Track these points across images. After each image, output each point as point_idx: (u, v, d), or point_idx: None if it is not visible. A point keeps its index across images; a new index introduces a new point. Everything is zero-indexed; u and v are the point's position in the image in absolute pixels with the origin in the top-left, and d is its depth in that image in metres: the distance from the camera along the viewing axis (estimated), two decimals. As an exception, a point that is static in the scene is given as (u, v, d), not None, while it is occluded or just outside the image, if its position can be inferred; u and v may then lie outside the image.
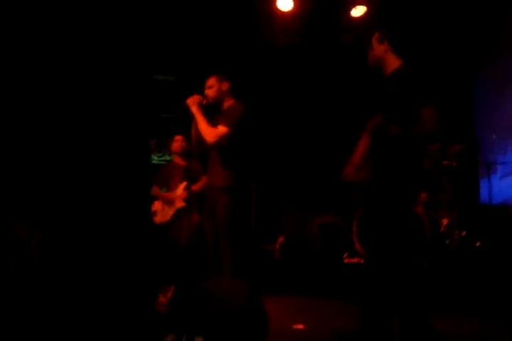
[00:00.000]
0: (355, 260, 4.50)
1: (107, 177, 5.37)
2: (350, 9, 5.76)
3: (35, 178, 4.87)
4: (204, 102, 3.29)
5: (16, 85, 5.04)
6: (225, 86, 3.32)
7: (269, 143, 5.58)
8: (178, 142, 4.55)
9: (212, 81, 3.31)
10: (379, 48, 2.62)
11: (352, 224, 4.66)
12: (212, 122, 3.23)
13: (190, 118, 3.31)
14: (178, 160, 4.63)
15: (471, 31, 5.91)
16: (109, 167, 5.40)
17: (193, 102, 3.25)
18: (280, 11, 5.73)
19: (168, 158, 5.79)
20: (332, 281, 4.09)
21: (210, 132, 3.19)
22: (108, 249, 4.76)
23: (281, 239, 5.06)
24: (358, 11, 5.79)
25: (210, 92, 3.29)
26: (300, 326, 2.98)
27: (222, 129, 3.17)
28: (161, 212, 4.51)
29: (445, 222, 4.36)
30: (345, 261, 4.56)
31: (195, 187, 4.43)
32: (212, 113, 3.34)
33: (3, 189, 4.58)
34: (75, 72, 5.32)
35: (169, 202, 4.47)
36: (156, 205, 4.57)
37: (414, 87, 2.42)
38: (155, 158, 5.81)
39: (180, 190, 4.52)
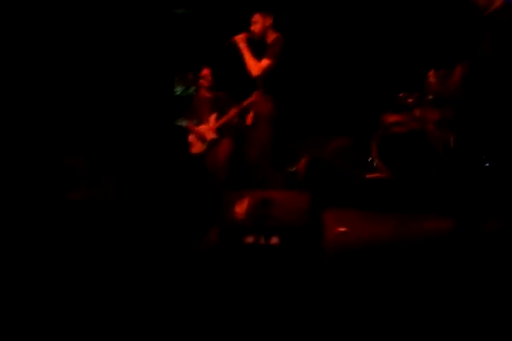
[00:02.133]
0: (375, 175, 5.02)
1: (136, 109, 5.66)
2: None
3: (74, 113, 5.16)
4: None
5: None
6: (268, 21, 3.60)
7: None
8: (206, 76, 4.82)
9: (256, 17, 3.59)
10: None
11: (371, 144, 5.11)
12: (258, 56, 3.56)
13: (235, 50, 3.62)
14: (206, 93, 4.92)
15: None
16: (138, 99, 5.68)
17: (240, 39, 3.56)
18: None
19: (192, 90, 6.05)
20: (359, 194, 4.60)
21: (255, 66, 3.53)
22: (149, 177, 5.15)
23: (303, 161, 5.52)
24: None
25: (255, 28, 3.58)
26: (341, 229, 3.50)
27: (265, 62, 3.51)
28: (196, 144, 4.90)
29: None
30: (367, 176, 5.07)
31: (223, 119, 4.72)
32: (259, 46, 3.64)
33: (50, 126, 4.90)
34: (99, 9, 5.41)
35: (202, 135, 4.84)
36: (191, 137, 4.93)
37: None
38: (179, 90, 6.06)
39: (211, 122, 4.87)
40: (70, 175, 4.48)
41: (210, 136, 4.80)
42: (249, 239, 2.82)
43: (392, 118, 5.17)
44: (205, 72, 4.82)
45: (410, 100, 5.14)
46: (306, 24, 5.78)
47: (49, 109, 5.05)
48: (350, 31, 5.93)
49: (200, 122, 4.95)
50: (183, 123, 5.19)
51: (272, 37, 3.62)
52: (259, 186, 3.70)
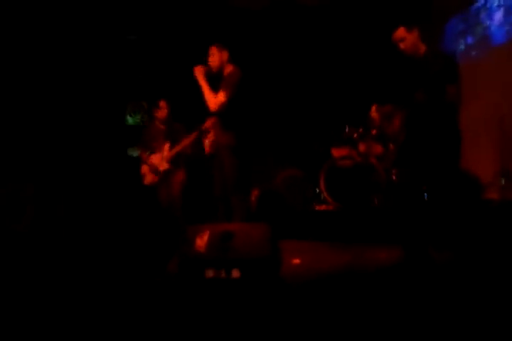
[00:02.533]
0: (323, 207, 5.22)
1: (87, 137, 5.59)
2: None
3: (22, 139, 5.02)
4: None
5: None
6: (225, 55, 3.75)
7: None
8: (162, 109, 4.83)
9: (213, 50, 3.73)
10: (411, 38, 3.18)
11: (319, 175, 5.34)
12: (214, 88, 3.68)
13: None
14: (161, 124, 4.92)
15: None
16: (88, 128, 5.62)
17: (198, 71, 3.67)
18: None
19: (141, 118, 6.07)
20: (307, 226, 4.77)
21: (212, 101, 3.65)
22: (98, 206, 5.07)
23: (255, 192, 5.64)
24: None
25: (212, 61, 3.72)
26: (297, 261, 3.61)
27: (221, 98, 3.64)
28: (149, 174, 4.85)
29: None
30: (316, 208, 5.26)
31: (177, 148, 4.77)
32: (214, 80, 3.76)
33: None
34: (51, 34, 5.38)
35: (154, 166, 4.80)
36: (144, 168, 4.90)
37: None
38: (130, 119, 6.06)
39: (164, 152, 4.89)
40: (17, 201, 4.33)
41: (163, 166, 4.80)
42: (210, 273, 2.86)
43: (338, 152, 5.45)
44: (162, 103, 4.86)
45: (355, 135, 5.45)
46: (259, 61, 6.03)
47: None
48: (302, 69, 6.25)
49: (153, 152, 4.95)
50: (135, 153, 5.17)
51: (228, 69, 3.76)
52: (223, 217, 3.76)
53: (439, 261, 3.10)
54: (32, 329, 2.22)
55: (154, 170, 4.80)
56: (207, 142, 4.00)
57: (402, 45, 3.21)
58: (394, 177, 4.94)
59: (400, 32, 3.20)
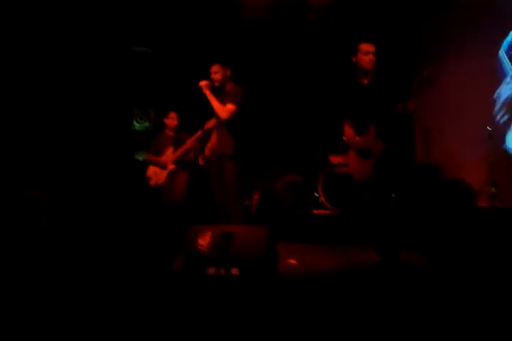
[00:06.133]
0: (321, 211, 5.45)
1: (94, 142, 5.85)
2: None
3: (34, 147, 5.27)
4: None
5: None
6: (228, 72, 4.01)
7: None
8: (173, 119, 5.15)
9: (216, 67, 3.99)
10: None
11: (318, 181, 5.57)
12: (221, 101, 3.94)
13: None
14: (170, 132, 5.23)
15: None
16: (95, 132, 5.87)
17: (205, 85, 3.93)
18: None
19: (148, 124, 6.34)
20: (308, 229, 4.99)
21: (223, 109, 3.90)
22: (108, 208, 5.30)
23: (256, 196, 5.88)
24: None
25: (217, 77, 3.97)
26: (293, 261, 3.84)
27: (231, 107, 3.89)
28: (155, 176, 5.12)
29: None
30: (314, 212, 5.49)
31: (182, 148, 5.01)
32: (217, 93, 4.02)
33: (10, 156, 4.98)
34: (60, 45, 5.64)
35: (162, 166, 5.08)
36: (150, 170, 5.16)
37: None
38: (136, 125, 6.32)
39: (169, 155, 5.15)
40: (32, 208, 4.55)
41: (170, 167, 5.05)
42: (211, 271, 3.09)
43: (336, 159, 5.68)
44: (172, 114, 5.15)
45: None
46: (263, 71, 6.30)
47: (11, 141, 5.13)
48: (304, 81, 6.51)
49: (159, 156, 5.19)
50: (142, 157, 5.41)
51: (229, 86, 4.03)
52: (223, 220, 3.99)
53: (420, 265, 3.32)
54: (40, 327, 2.35)
55: (162, 168, 5.04)
56: (208, 145, 4.25)
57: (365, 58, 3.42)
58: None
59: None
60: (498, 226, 4.24)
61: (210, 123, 4.18)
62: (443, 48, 6.42)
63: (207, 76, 4.07)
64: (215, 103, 3.93)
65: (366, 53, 3.37)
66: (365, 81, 3.45)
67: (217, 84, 4.00)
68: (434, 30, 6.61)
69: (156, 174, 5.13)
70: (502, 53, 5.47)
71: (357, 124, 3.50)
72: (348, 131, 3.57)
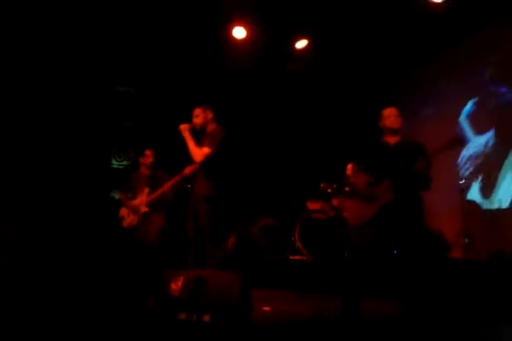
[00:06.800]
0: (297, 257, 5.41)
1: (72, 178, 5.78)
2: (294, 41, 6.71)
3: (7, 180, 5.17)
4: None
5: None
6: (209, 115, 4.07)
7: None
8: (149, 157, 5.13)
9: (198, 111, 4.05)
10: None
11: (294, 226, 5.57)
12: (199, 143, 3.96)
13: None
14: (145, 170, 5.17)
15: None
16: (74, 169, 5.81)
17: (184, 128, 3.97)
18: (235, 38, 6.52)
19: (126, 163, 6.31)
20: (282, 275, 4.92)
21: (198, 153, 3.92)
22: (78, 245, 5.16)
23: (232, 239, 5.81)
24: (301, 44, 6.75)
25: (197, 120, 4.03)
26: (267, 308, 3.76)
27: (206, 150, 3.91)
28: (128, 217, 5.03)
29: None
30: (290, 257, 5.44)
31: (157, 192, 4.94)
32: (199, 135, 4.05)
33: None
34: (43, 82, 5.69)
35: (134, 208, 5.00)
36: (123, 211, 5.08)
37: None
38: (115, 163, 6.29)
39: (143, 196, 5.08)
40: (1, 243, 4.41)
41: (143, 209, 4.97)
42: (182, 316, 2.99)
43: (313, 205, 5.72)
44: (148, 152, 5.13)
45: (329, 190, 5.73)
46: (242, 117, 6.42)
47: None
48: (283, 127, 6.66)
49: (134, 196, 5.13)
50: (117, 195, 5.34)
51: (211, 128, 4.06)
52: (198, 263, 3.90)
53: (394, 313, 3.29)
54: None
55: (134, 212, 4.95)
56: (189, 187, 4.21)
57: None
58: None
59: None
60: (471, 278, 4.28)
61: (189, 169, 4.16)
62: (416, 100, 6.74)
63: (188, 116, 4.10)
64: (191, 146, 3.95)
65: (389, 117, 3.52)
66: (392, 140, 3.53)
67: (198, 127, 4.04)
68: (408, 83, 6.94)
69: (128, 215, 5.05)
70: (462, 120, 5.90)
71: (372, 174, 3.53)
72: (360, 178, 3.59)
